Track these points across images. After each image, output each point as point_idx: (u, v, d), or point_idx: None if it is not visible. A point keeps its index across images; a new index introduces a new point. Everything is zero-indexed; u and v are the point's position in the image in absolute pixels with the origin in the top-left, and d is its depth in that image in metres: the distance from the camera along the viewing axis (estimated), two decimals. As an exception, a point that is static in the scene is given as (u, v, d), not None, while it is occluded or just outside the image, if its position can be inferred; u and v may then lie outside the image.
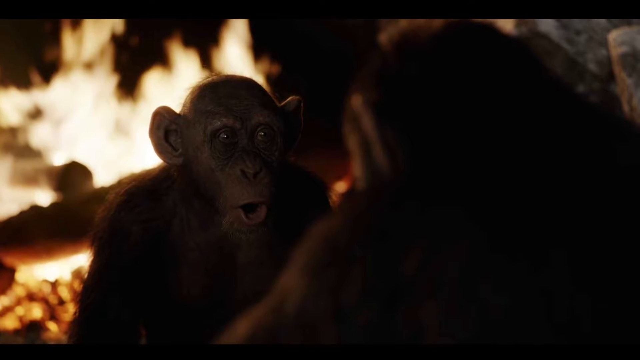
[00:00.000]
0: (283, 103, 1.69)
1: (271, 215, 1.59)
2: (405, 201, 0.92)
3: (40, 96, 3.79)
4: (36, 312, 3.19)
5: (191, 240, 1.66)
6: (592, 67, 2.65)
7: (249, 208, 1.59)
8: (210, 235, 1.65)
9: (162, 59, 3.79)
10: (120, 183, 1.73)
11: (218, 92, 1.63)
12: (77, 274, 3.30)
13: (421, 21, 1.04)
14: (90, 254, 1.68)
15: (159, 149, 1.64)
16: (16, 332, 3.10)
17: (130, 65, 3.80)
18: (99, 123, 3.77)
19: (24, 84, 3.78)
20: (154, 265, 1.65)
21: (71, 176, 3.56)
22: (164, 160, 1.66)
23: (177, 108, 1.67)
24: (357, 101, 1.01)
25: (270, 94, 1.67)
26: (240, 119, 1.61)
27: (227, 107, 1.61)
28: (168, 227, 1.66)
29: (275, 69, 3.85)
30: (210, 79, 1.67)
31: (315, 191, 1.72)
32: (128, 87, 3.79)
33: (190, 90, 1.68)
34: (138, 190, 1.67)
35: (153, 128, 1.65)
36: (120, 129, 3.77)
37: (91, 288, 1.65)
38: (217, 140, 1.61)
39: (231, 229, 1.60)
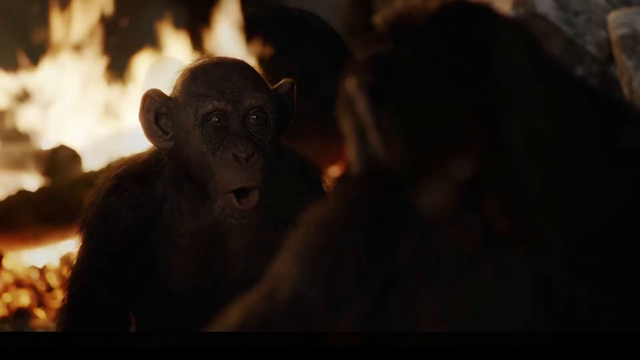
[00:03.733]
0: (276, 86, 1.67)
1: (264, 200, 1.58)
2: (400, 186, 0.91)
3: (28, 79, 3.76)
4: (24, 299, 3.17)
5: (182, 225, 1.64)
6: (591, 48, 2.63)
7: (241, 193, 1.58)
8: (202, 220, 1.64)
9: (152, 41, 3.76)
10: (109, 167, 1.71)
11: (209, 74, 1.61)
12: (65, 260, 3.28)
13: (416, 1, 1.02)
14: (79, 239, 1.66)
15: (149, 133, 1.63)
16: (3, 319, 3.08)
17: (120, 47, 3.77)
18: (88, 106, 3.74)
19: (12, 66, 3.75)
20: (144, 251, 1.64)
21: (59, 160, 3.53)
22: (154, 144, 1.64)
23: (167, 91, 1.65)
24: (351, 84, 0.99)
25: (262, 76, 1.65)
26: (232, 102, 1.59)
27: (218, 90, 1.60)
28: (158, 212, 1.64)
29: (268, 51, 3.83)
30: (201, 61, 1.65)
31: (308, 175, 1.71)
32: (117, 69, 3.76)
33: (181, 72, 1.65)
34: (128, 175, 1.65)
35: (143, 111, 1.63)
36: (109, 112, 3.75)
37: (80, 274, 1.63)
38: (209, 123, 1.59)
39: (223, 214, 1.59)
